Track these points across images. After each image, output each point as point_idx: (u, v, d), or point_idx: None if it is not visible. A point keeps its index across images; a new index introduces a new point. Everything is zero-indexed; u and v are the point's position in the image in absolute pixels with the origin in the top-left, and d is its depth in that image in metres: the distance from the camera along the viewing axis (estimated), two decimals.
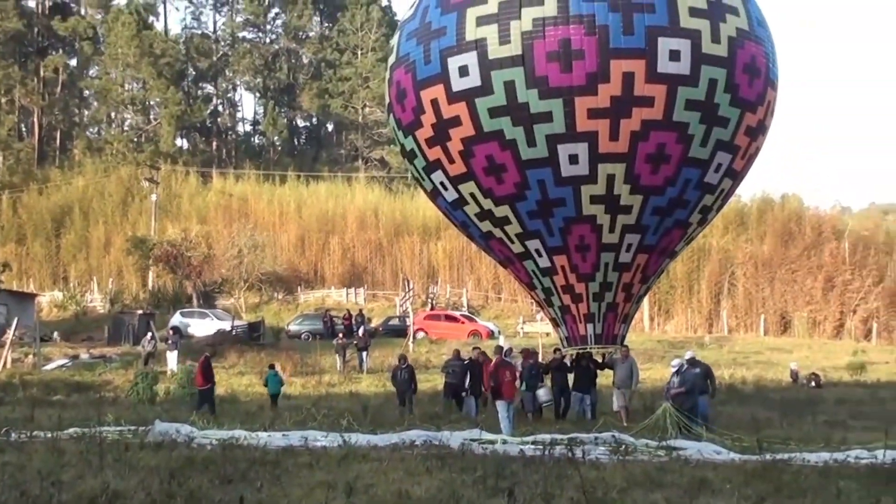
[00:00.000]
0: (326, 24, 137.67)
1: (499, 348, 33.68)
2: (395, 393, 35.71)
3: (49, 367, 51.72)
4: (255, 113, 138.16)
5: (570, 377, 32.64)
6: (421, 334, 65.40)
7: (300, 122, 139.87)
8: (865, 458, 18.54)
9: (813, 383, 47.91)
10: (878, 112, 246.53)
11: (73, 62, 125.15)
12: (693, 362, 31.09)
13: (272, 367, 39.92)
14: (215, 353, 45.62)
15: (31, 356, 53.79)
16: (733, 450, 21.13)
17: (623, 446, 20.83)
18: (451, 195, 31.40)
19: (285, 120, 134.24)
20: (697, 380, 29.76)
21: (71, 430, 21.72)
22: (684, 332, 77.13)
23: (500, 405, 28.96)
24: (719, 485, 15.13)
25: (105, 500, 13.22)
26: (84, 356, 55.40)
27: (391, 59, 32.99)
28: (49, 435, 20.93)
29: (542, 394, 32.68)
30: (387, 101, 34.16)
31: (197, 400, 34.57)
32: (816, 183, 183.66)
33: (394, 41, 33.20)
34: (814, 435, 25.96)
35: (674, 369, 30.69)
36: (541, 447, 19.87)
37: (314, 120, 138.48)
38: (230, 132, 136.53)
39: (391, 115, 33.22)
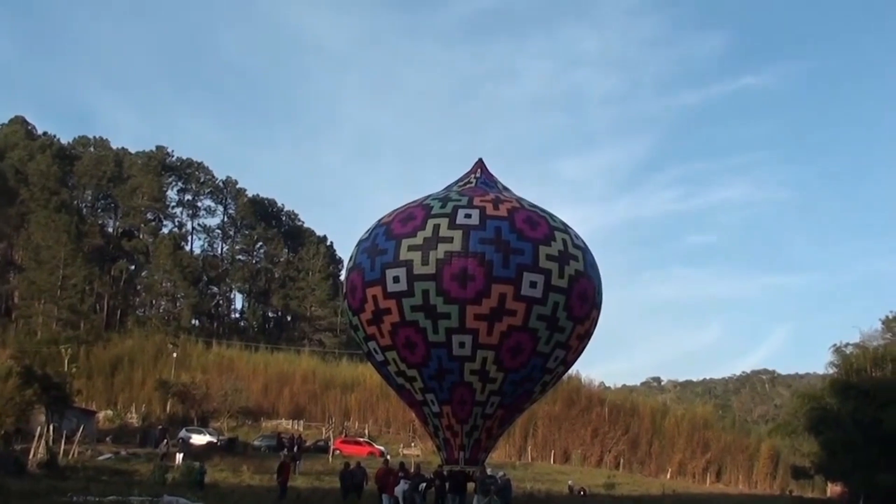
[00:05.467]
0: (291, 254, 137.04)
1: (385, 462, 35.31)
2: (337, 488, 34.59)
3: (101, 457, 50.28)
4: (243, 306, 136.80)
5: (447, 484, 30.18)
6: (337, 451, 63.34)
7: (270, 314, 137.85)
8: None
9: (582, 493, 48.29)
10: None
11: (132, 267, 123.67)
12: (503, 477, 31.51)
13: (202, 465, 39.85)
14: (293, 459, 43.46)
15: (90, 450, 52.17)
16: None
17: None
18: (380, 357, 29.35)
19: (261, 312, 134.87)
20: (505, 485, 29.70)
21: (111, 498, 20.61)
22: (504, 459, 74.31)
23: (385, 497, 28.82)
24: None
25: None
26: (123, 452, 53.97)
27: (349, 265, 31.02)
28: (97, 500, 20.23)
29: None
30: (343, 292, 32.13)
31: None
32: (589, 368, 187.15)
33: (352, 253, 31.03)
34: None
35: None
36: None
37: (279, 313, 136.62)
38: (226, 317, 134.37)
39: (346, 301, 31.13)
